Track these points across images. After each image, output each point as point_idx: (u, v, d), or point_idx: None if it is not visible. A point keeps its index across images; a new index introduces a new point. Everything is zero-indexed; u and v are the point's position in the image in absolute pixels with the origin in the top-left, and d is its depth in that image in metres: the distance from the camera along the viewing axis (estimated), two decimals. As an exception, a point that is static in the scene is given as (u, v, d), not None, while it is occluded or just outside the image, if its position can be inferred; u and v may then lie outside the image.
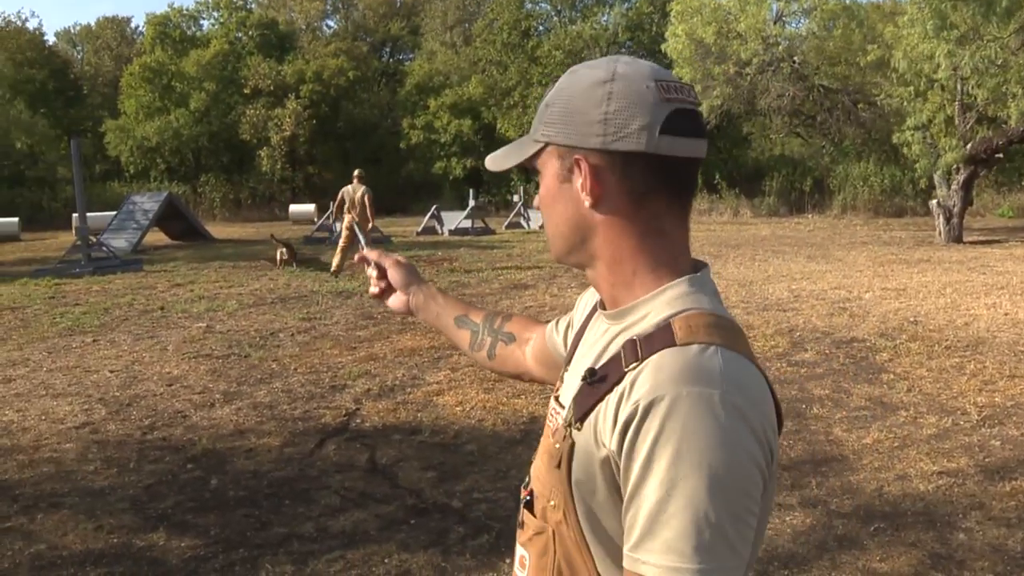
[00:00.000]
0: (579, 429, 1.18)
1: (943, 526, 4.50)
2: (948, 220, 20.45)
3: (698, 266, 1.25)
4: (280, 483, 5.34)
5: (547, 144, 1.23)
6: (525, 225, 28.45)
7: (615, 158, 1.17)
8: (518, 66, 41.12)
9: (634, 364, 1.13)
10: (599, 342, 1.27)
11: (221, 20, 47.87)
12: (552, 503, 1.23)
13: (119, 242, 21.63)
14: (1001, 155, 20.54)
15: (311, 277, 15.38)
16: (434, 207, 27.27)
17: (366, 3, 55.24)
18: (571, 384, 1.29)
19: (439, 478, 5.37)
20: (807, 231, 25.42)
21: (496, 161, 1.35)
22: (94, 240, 18.20)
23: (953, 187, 20.52)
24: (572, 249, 1.27)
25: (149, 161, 42.15)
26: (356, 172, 17.86)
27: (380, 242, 22.62)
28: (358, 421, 6.60)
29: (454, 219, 26.60)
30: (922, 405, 6.65)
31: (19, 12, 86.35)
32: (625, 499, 1.09)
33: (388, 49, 55.62)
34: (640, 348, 1.14)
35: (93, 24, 57.24)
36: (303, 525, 4.68)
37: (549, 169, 1.24)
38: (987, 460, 5.46)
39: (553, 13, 47.02)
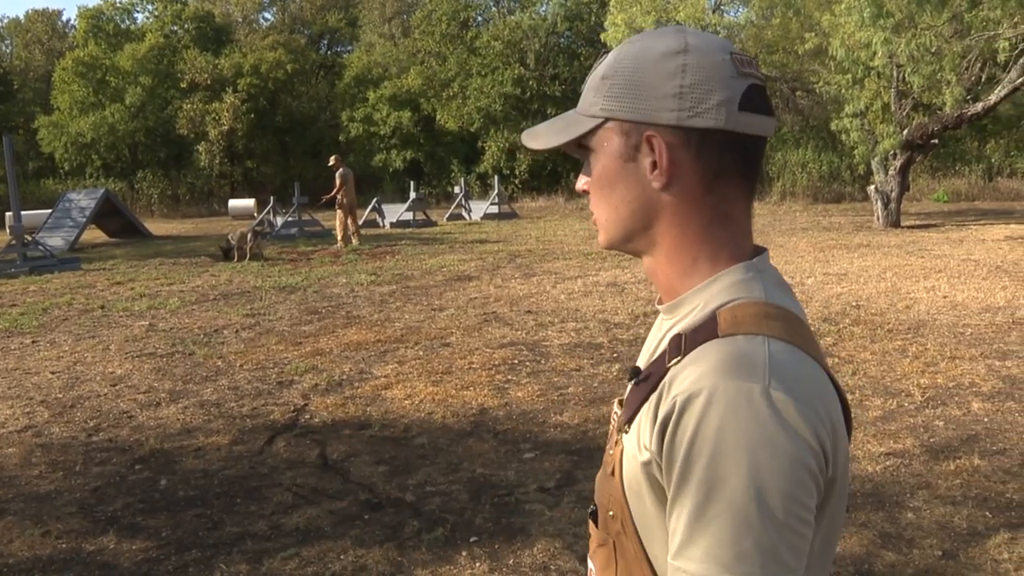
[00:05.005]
0: (627, 432, 1.12)
1: (892, 506, 4.58)
2: (886, 205, 20.80)
3: (757, 251, 1.17)
4: (231, 482, 5.28)
5: (607, 120, 1.13)
6: (466, 216, 28.47)
7: (690, 136, 1.09)
8: (457, 57, 40.95)
9: (676, 359, 1.06)
10: (654, 339, 1.20)
11: (156, 13, 47.09)
12: (611, 513, 1.16)
13: (56, 240, 21.20)
14: (936, 141, 20.93)
15: (253, 272, 15.20)
16: (375, 200, 27.14)
17: (303, -5, 54.71)
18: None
19: (391, 472, 5.34)
20: (748, 218, 25.63)
21: (539, 138, 1.22)
22: (29, 239, 17.80)
23: (890, 173, 20.87)
24: (631, 235, 1.17)
25: (84, 157, 41.38)
26: (337, 156, 19.03)
27: (320, 235, 22.49)
28: (307, 417, 6.55)
29: (395, 212, 26.50)
30: (867, 388, 6.75)
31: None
32: (668, 503, 1.02)
33: (326, 41, 55.11)
34: (684, 342, 1.07)
35: (22, 17, 56.11)
36: (256, 523, 4.63)
37: (609, 147, 1.14)
38: (932, 440, 5.57)
39: (492, 3, 46.96)
